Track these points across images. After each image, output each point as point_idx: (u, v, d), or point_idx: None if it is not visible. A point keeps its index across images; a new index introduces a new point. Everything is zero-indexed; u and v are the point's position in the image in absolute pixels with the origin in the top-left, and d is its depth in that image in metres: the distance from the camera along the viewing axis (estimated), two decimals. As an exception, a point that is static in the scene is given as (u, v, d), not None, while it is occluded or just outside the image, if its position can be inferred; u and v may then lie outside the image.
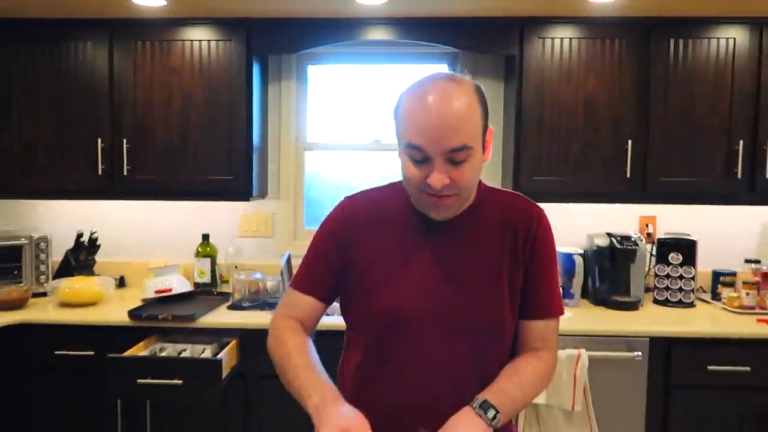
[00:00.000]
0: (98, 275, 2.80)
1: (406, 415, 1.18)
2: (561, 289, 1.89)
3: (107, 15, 2.62)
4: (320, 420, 1.03)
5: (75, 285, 2.55)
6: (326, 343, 1.40)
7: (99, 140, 2.66)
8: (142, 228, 3.05)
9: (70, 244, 2.85)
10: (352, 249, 1.24)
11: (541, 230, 1.23)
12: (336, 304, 1.32)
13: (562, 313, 1.26)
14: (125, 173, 2.67)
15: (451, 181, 1.10)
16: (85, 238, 2.87)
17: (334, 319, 1.88)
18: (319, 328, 1.31)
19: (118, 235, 3.04)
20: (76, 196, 2.83)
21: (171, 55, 2.66)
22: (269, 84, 3.01)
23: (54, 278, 2.72)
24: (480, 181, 1.24)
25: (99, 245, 2.91)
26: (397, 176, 1.25)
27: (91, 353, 2.39)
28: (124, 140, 2.66)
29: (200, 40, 2.65)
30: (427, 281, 1.19)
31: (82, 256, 2.83)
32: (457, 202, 1.16)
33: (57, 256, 2.86)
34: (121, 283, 2.96)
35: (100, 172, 2.66)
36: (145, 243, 3.04)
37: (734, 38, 2.58)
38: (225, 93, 2.66)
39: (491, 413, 1.09)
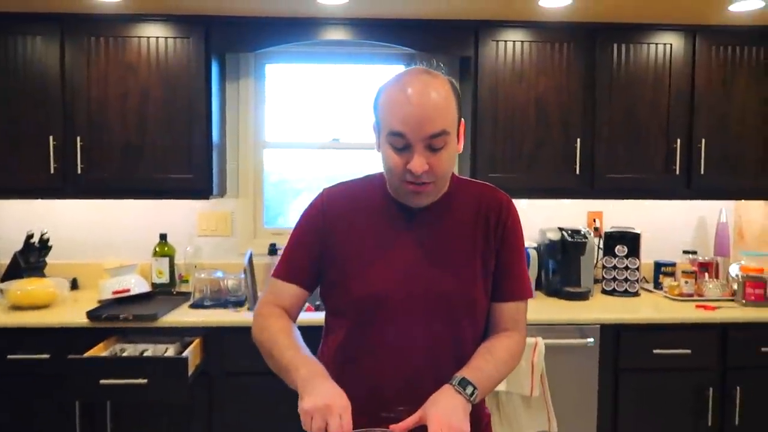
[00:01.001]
0: (49, 277, 2.70)
1: (386, 394, 1.23)
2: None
3: (58, 9, 2.55)
4: (305, 390, 1.07)
5: (27, 287, 2.47)
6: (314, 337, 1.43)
7: (51, 138, 2.58)
8: (96, 228, 2.97)
9: (19, 245, 2.74)
10: (331, 237, 1.28)
11: (511, 217, 1.31)
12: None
13: (531, 296, 1.34)
14: (79, 171, 2.60)
15: (430, 168, 1.16)
16: (36, 239, 2.77)
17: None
18: (306, 324, 1.34)
19: (70, 236, 2.95)
20: (26, 195, 2.73)
21: (127, 51, 2.61)
22: (227, 82, 3.00)
23: (1, 281, 2.62)
24: (453, 172, 1.32)
25: (50, 246, 2.82)
26: (356, 174, 1.33)
27: (47, 356, 2.31)
28: (78, 138, 2.59)
29: (157, 37, 2.62)
30: (405, 266, 1.25)
31: (32, 258, 2.73)
32: (434, 190, 1.22)
33: (5, 259, 2.75)
34: (73, 285, 2.87)
35: (52, 171, 2.58)
36: (99, 243, 2.96)
37: (671, 44, 2.77)
38: (183, 90, 2.64)
39: (470, 390, 1.14)
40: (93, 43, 2.59)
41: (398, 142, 1.16)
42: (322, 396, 1.05)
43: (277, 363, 1.19)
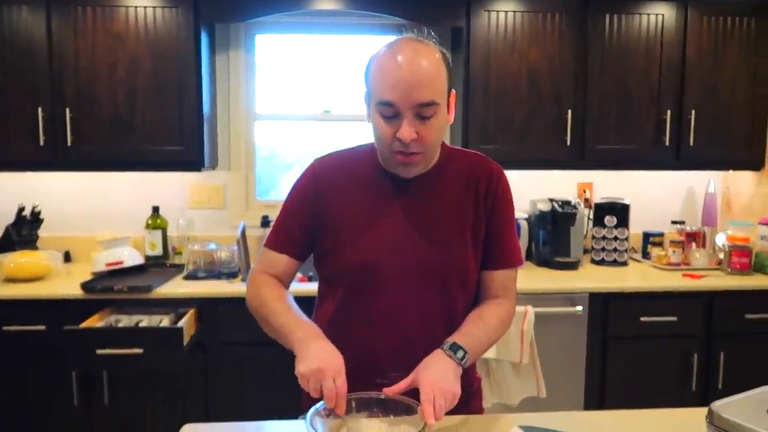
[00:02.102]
0: (42, 250, 2.71)
1: (379, 360, 1.26)
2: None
3: (43, -22, 2.50)
4: (300, 354, 1.10)
5: (21, 259, 2.47)
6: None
7: (39, 109, 2.55)
8: (87, 201, 2.96)
9: (11, 218, 2.74)
10: (323, 207, 1.30)
11: (501, 186, 1.32)
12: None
13: (521, 263, 1.37)
14: (69, 144, 2.58)
15: (419, 137, 1.17)
16: (27, 212, 2.76)
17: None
18: (300, 294, 1.36)
19: (62, 209, 2.94)
20: (16, 168, 2.71)
21: (114, 21, 2.57)
22: (217, 53, 2.97)
23: (-6, 254, 2.62)
24: (443, 142, 1.33)
25: (42, 219, 2.81)
26: (347, 146, 1.34)
27: (43, 328, 2.33)
28: (67, 109, 2.57)
29: (145, 6, 2.58)
30: (397, 234, 1.27)
31: (24, 231, 2.73)
32: (423, 161, 1.23)
33: (-4, 232, 2.75)
34: (66, 257, 2.87)
35: (41, 143, 2.56)
36: (91, 216, 2.96)
37: (663, 14, 2.77)
38: (173, 61, 2.61)
39: (460, 354, 1.17)
40: (80, 12, 2.55)
41: (387, 111, 1.17)
42: (316, 359, 1.07)
43: (272, 328, 1.22)
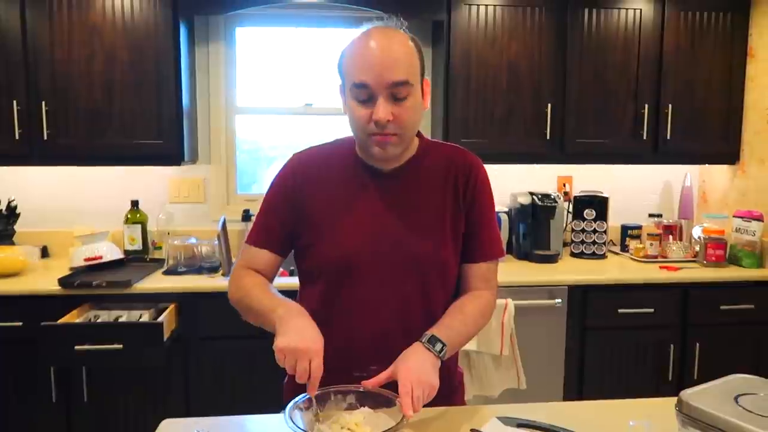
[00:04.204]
0: (18, 245, 2.67)
1: (358, 353, 1.26)
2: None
3: (17, -32, 2.45)
4: (281, 329, 1.10)
5: (-4, 255, 2.44)
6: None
7: (14, 102, 2.51)
8: (65, 195, 2.92)
9: (-14, 213, 2.70)
10: (303, 202, 1.29)
11: (480, 178, 1.33)
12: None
13: (502, 255, 1.38)
14: (45, 137, 2.54)
15: (394, 118, 1.18)
16: (3, 207, 2.72)
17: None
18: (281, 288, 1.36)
19: (39, 203, 2.90)
20: (-10, 162, 2.67)
21: (90, 12, 2.53)
22: (197, 46, 2.94)
23: (-31, 250, 2.58)
24: (422, 134, 1.33)
25: (18, 214, 2.77)
26: (329, 140, 1.35)
27: (19, 324, 2.30)
28: (43, 102, 2.53)
29: (122, -2, 2.55)
30: (376, 228, 1.27)
31: (0, 226, 2.69)
32: (399, 142, 1.22)
33: (-29, 227, 2.70)
34: (44, 253, 2.84)
35: (17, 137, 2.52)
36: (69, 211, 2.92)
37: (641, 9, 2.80)
38: (151, 54, 2.58)
39: (439, 346, 1.18)
40: (55, 3, 2.51)
41: (362, 94, 1.18)
42: (295, 337, 1.08)
43: (255, 313, 1.22)
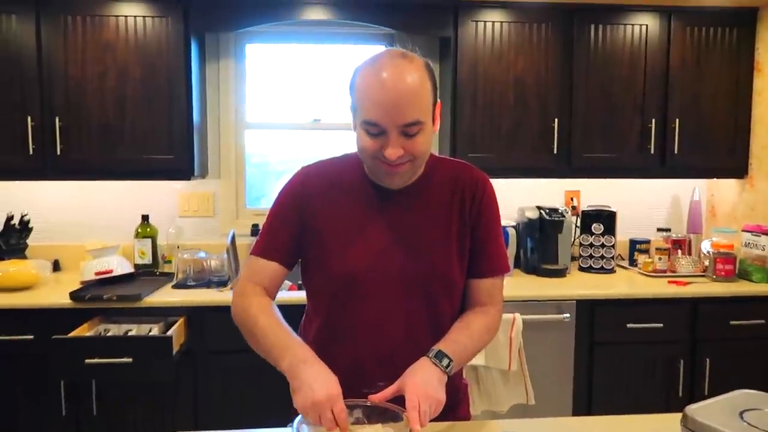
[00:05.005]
0: (31, 259, 2.70)
1: (366, 370, 1.26)
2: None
3: (32, -12, 2.51)
4: (295, 383, 1.09)
5: (9, 268, 2.46)
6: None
7: (29, 118, 2.56)
8: (77, 209, 2.96)
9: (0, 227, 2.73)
10: (310, 216, 1.30)
11: (487, 194, 1.34)
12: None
13: (508, 271, 1.38)
14: (58, 152, 2.58)
15: (405, 152, 1.18)
16: (16, 221, 2.76)
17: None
18: (288, 303, 1.36)
19: (51, 218, 2.94)
20: (4, 177, 2.70)
21: (104, 30, 2.58)
22: (207, 62, 2.98)
23: (-18, 264, 2.61)
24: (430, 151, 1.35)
25: (31, 228, 2.80)
26: (339, 153, 1.35)
27: (31, 337, 2.33)
28: (57, 118, 2.57)
29: (135, 16, 2.59)
30: (383, 245, 1.27)
31: (12, 240, 2.72)
32: (411, 169, 1.24)
33: (-16, 241, 2.73)
34: (55, 267, 2.87)
35: (30, 152, 2.57)
36: (80, 225, 2.96)
37: (646, 25, 2.81)
38: (162, 70, 2.62)
39: (445, 362, 1.18)
40: (69, 21, 2.57)
41: (373, 129, 1.17)
42: (311, 389, 1.06)
43: (258, 344, 1.21)
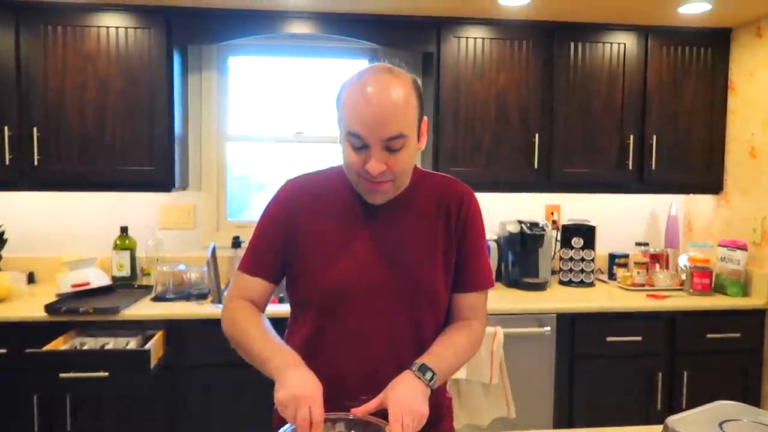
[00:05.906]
0: (5, 271, 2.64)
1: (349, 383, 1.26)
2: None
3: (12, -3, 2.49)
4: (278, 382, 1.10)
5: (-18, 281, 2.41)
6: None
7: (6, 128, 2.52)
8: (53, 221, 2.91)
9: (-28, 239, 2.68)
10: (295, 229, 1.30)
11: (472, 208, 1.34)
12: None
13: (492, 285, 1.39)
14: (36, 163, 2.55)
15: (388, 168, 1.18)
16: (-10, 233, 2.70)
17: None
18: (270, 316, 1.36)
19: (26, 229, 2.89)
20: (-21, 188, 2.66)
21: (85, 41, 2.57)
22: (189, 74, 2.97)
23: (-46, 276, 2.55)
24: (414, 165, 1.35)
25: (6, 239, 2.75)
26: (323, 166, 1.35)
27: (4, 351, 2.27)
28: (35, 128, 2.54)
29: (117, 27, 2.58)
30: (367, 258, 1.27)
31: (-14, 252, 2.67)
32: (392, 188, 1.24)
33: (-43, 253, 2.67)
34: (30, 279, 2.81)
35: (7, 162, 2.52)
36: (57, 237, 2.91)
37: (624, 43, 2.88)
38: (144, 82, 2.61)
39: (429, 375, 1.18)
40: (50, 31, 2.54)
41: (356, 142, 1.18)
42: (293, 386, 1.08)
43: (249, 354, 1.21)
